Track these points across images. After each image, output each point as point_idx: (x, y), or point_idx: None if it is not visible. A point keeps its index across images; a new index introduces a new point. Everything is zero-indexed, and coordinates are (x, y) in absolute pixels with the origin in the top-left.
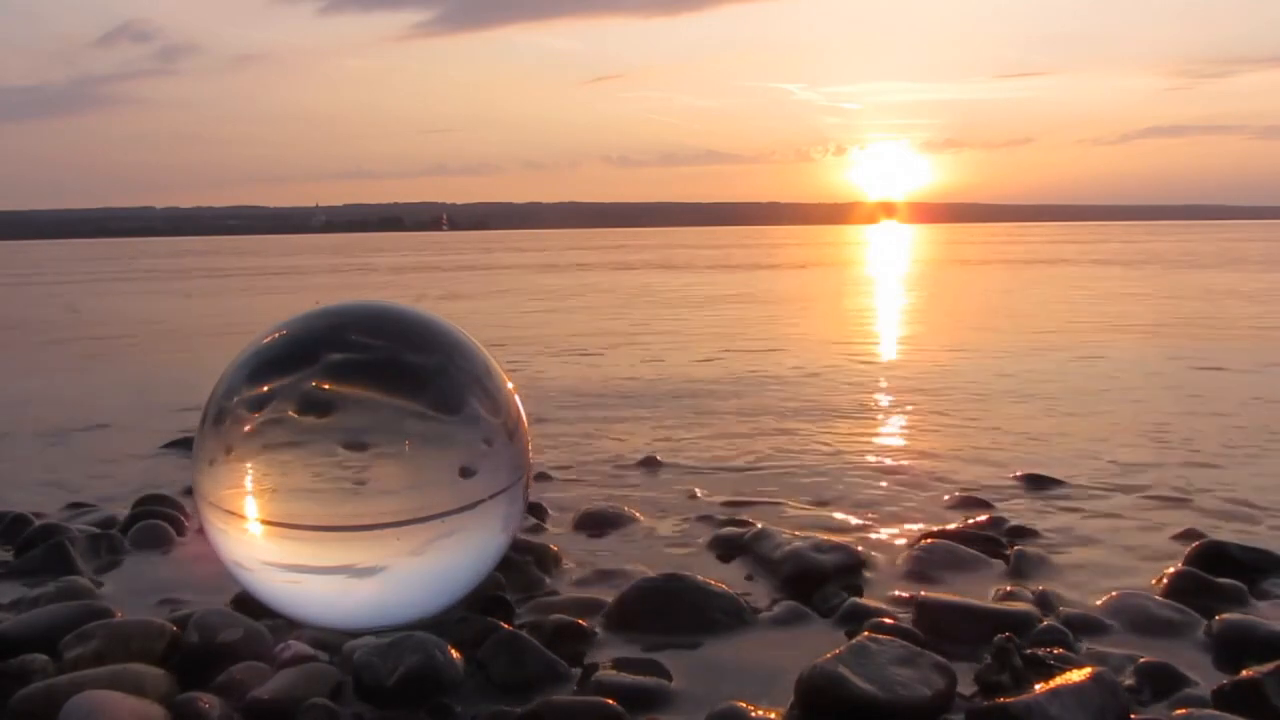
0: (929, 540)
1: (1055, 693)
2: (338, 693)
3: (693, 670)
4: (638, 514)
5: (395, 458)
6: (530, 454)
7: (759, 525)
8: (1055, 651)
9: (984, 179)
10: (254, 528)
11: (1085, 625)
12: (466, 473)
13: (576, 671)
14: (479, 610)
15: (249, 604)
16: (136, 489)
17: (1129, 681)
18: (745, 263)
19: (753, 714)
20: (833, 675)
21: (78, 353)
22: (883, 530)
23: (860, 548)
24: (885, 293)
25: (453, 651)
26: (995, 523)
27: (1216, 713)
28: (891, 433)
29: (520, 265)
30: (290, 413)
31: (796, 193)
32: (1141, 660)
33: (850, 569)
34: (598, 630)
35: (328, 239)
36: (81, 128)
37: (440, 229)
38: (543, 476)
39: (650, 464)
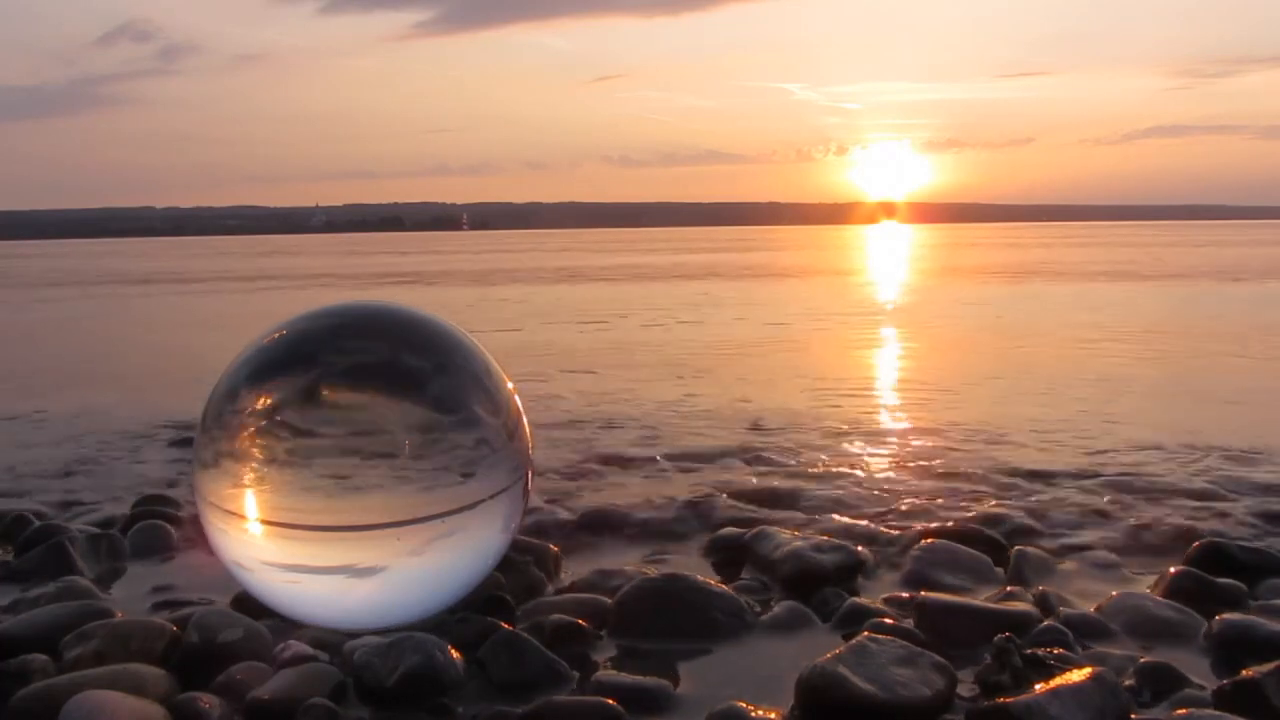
0: (929, 540)
1: (1055, 693)
2: (338, 693)
3: (693, 670)
4: (638, 514)
5: (395, 458)
6: (531, 454)
7: (759, 525)
8: (1055, 651)
9: (985, 179)
10: (254, 528)
11: (1085, 625)
12: (466, 473)
13: (576, 671)
14: (479, 610)
15: (249, 604)
16: (136, 489)
17: (1129, 681)
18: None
19: (753, 714)
20: (833, 675)
21: (78, 351)
22: (883, 530)
23: (860, 548)
24: (894, 293)
25: (453, 651)
26: (995, 522)
27: (1216, 713)
28: (891, 433)
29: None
30: (290, 413)
31: (797, 193)
32: (1141, 660)
33: (850, 569)
34: (598, 630)
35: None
36: (81, 128)
37: (460, 228)
38: (543, 477)
39: (651, 463)
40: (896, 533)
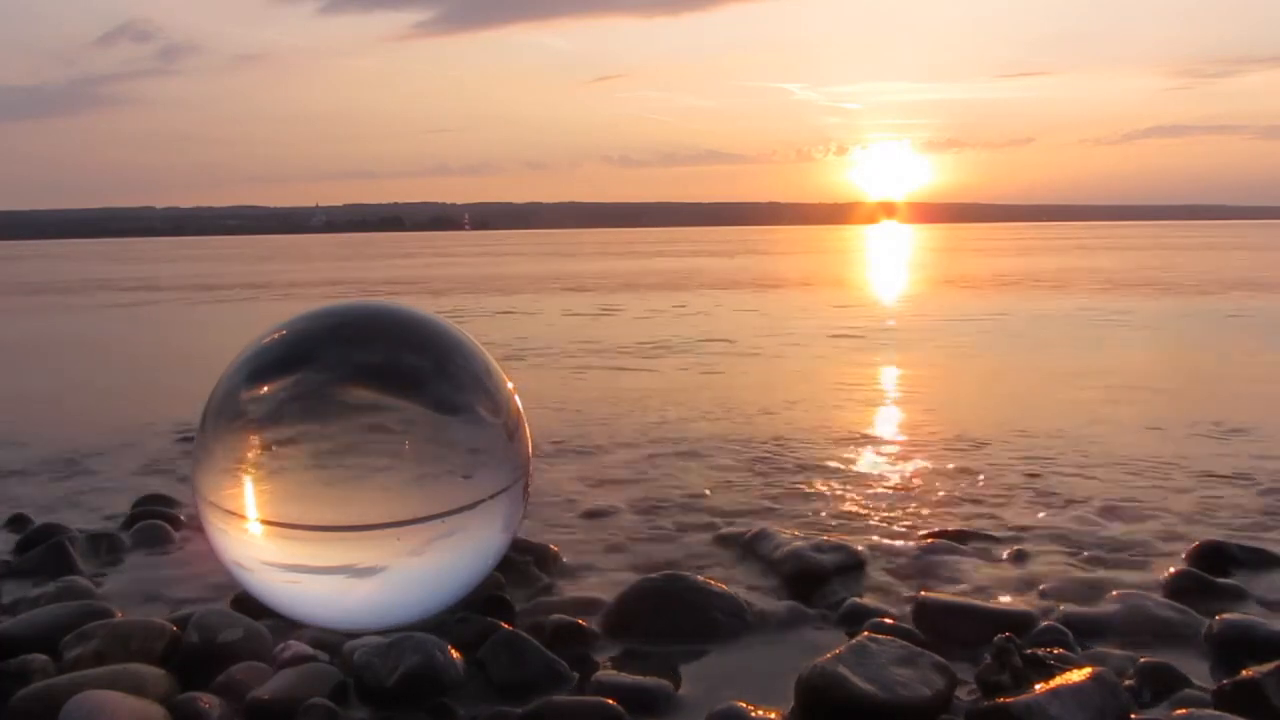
0: (929, 540)
1: (1055, 693)
2: (338, 693)
3: (693, 670)
4: (638, 513)
5: (395, 458)
6: (530, 454)
7: (759, 525)
8: (1055, 651)
9: (985, 179)
10: (254, 528)
11: (1085, 625)
12: (466, 473)
13: (576, 671)
14: (479, 610)
15: (249, 604)
16: (137, 488)
17: (1129, 681)
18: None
19: (753, 714)
20: (833, 675)
21: (79, 351)
22: (883, 530)
23: (860, 548)
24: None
25: (453, 651)
26: (995, 522)
27: (1216, 713)
28: (891, 432)
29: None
30: (290, 413)
31: (797, 193)
32: (1141, 660)
33: (850, 569)
34: (597, 630)
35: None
36: (81, 128)
37: (462, 228)
38: (544, 477)
39: (651, 464)
40: (897, 533)
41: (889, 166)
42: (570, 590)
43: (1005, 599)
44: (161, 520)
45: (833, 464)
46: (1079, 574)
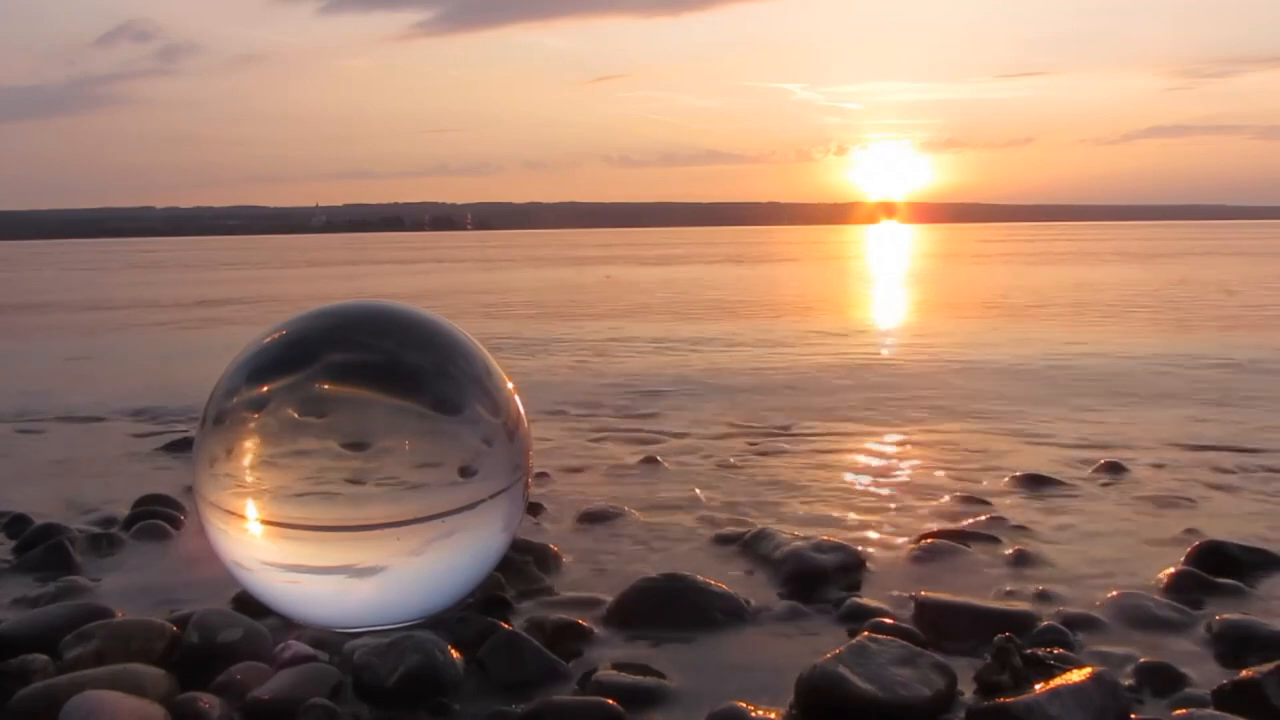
0: (929, 540)
1: (1055, 693)
2: (338, 693)
3: (693, 670)
4: (637, 513)
5: (395, 458)
6: (530, 454)
7: (759, 525)
8: (1055, 651)
9: (985, 179)
10: (254, 528)
11: (1085, 625)
12: (466, 473)
13: (576, 671)
14: (479, 610)
15: (249, 604)
16: (136, 489)
17: (1129, 681)
18: None
19: (753, 714)
20: (833, 675)
21: (78, 350)
22: (883, 530)
23: (860, 548)
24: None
25: (453, 651)
26: (995, 522)
27: (1216, 713)
28: (891, 432)
29: None
30: (290, 413)
31: (797, 193)
32: (1141, 660)
33: (850, 569)
34: (597, 630)
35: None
36: (81, 128)
37: (464, 228)
38: (543, 476)
39: (650, 463)
40: (897, 533)
41: (889, 166)
42: (570, 590)
43: (1005, 599)
44: (161, 520)
45: (833, 463)
46: (1079, 574)
